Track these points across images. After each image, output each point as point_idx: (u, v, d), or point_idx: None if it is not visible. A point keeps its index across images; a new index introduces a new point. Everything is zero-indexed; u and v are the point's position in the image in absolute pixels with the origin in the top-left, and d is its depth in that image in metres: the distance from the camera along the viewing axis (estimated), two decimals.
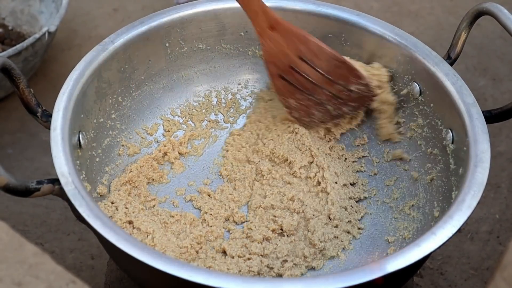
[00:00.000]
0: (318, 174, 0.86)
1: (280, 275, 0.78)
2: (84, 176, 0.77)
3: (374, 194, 0.87)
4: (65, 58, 1.12)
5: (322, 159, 0.87)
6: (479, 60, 1.13)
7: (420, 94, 0.85)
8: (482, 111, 0.78)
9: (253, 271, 0.78)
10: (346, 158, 0.91)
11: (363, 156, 0.91)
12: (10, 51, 0.96)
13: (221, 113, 0.94)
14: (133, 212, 0.81)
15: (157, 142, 0.90)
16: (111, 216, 0.79)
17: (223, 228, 0.83)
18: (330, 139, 0.92)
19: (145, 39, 0.86)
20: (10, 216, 0.90)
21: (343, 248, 0.82)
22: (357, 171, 0.90)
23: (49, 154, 0.71)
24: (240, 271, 0.77)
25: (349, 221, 0.84)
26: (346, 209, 0.85)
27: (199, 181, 0.88)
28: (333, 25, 0.89)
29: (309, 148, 0.88)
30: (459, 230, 0.69)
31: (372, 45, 0.88)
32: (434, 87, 0.83)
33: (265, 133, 0.91)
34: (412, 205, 0.83)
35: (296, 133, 0.89)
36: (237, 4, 0.83)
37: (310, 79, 0.86)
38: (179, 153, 0.90)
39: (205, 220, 0.83)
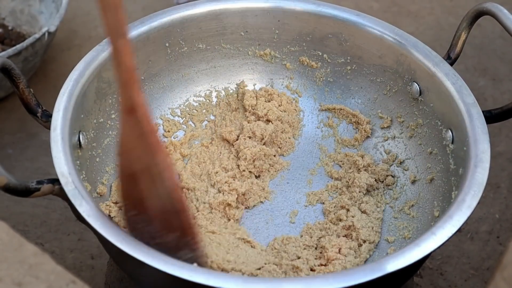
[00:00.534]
0: None
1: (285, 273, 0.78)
2: (84, 176, 0.77)
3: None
4: (65, 58, 1.12)
5: None
6: (479, 60, 1.13)
7: (420, 94, 0.85)
8: (482, 111, 0.78)
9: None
10: None
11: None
12: (10, 51, 0.96)
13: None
14: None
15: None
16: (114, 216, 0.79)
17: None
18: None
19: (145, 39, 0.86)
20: (10, 216, 0.90)
21: None
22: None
23: (49, 154, 0.71)
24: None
25: None
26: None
27: None
28: (333, 25, 0.89)
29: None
30: (459, 230, 0.69)
31: (372, 45, 0.88)
32: (434, 87, 0.83)
33: None
34: (412, 205, 0.83)
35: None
36: (237, 4, 0.82)
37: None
38: (181, 155, 0.89)
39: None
